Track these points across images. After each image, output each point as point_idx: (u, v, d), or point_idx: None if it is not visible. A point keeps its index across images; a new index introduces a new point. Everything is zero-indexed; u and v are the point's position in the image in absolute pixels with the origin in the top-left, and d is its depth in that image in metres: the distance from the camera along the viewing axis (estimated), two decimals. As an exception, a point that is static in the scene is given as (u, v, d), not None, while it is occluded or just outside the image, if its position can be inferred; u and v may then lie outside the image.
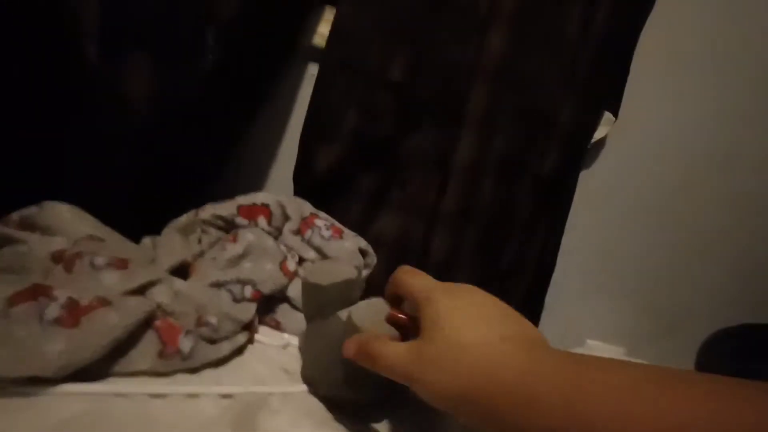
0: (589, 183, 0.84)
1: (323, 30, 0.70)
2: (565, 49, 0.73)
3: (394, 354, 0.27)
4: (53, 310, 0.32)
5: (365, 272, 0.61)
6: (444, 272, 0.75)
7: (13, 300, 0.32)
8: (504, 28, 0.69)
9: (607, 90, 0.80)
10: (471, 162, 0.72)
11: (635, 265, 0.88)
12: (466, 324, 0.26)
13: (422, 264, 0.77)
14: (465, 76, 0.69)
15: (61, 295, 0.34)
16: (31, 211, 0.46)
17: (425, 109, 0.70)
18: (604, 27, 0.73)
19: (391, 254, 0.72)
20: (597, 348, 0.87)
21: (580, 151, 0.80)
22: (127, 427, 0.29)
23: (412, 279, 0.31)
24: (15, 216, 0.46)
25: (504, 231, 0.77)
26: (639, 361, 0.88)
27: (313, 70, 0.72)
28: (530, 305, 0.81)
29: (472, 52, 0.69)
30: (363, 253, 0.59)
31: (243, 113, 0.64)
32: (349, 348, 0.30)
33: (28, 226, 0.46)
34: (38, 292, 0.34)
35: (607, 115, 0.81)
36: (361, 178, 0.73)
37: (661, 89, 0.82)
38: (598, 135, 0.80)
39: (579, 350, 0.84)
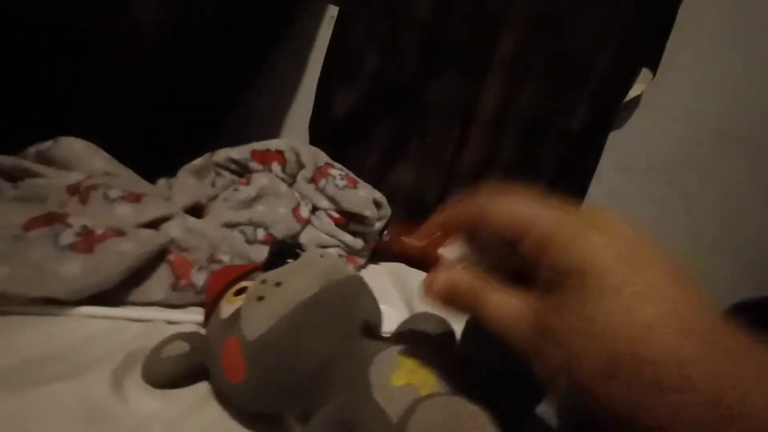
0: (618, 143, 0.79)
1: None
2: None
3: (506, 306, 0.19)
4: (68, 236, 0.33)
5: (378, 225, 0.60)
6: None
7: (29, 225, 0.33)
8: None
9: (647, 44, 0.74)
10: (494, 113, 0.69)
11: (649, 230, 0.85)
12: (636, 292, 0.17)
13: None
14: (495, 18, 0.64)
15: (76, 222, 0.34)
16: (47, 145, 0.46)
17: (450, 52, 0.66)
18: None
19: (408, 206, 0.71)
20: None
21: (612, 108, 0.76)
22: (142, 348, 0.30)
23: (524, 206, 0.20)
24: (32, 150, 0.46)
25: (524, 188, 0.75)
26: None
27: (333, 11, 0.69)
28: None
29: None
30: (377, 204, 0.58)
31: (257, 51, 0.62)
32: (436, 289, 0.21)
33: (45, 159, 0.46)
34: (53, 219, 0.34)
35: (645, 72, 0.76)
36: (380, 126, 0.71)
37: (703, 49, 0.75)
38: (633, 93, 0.75)
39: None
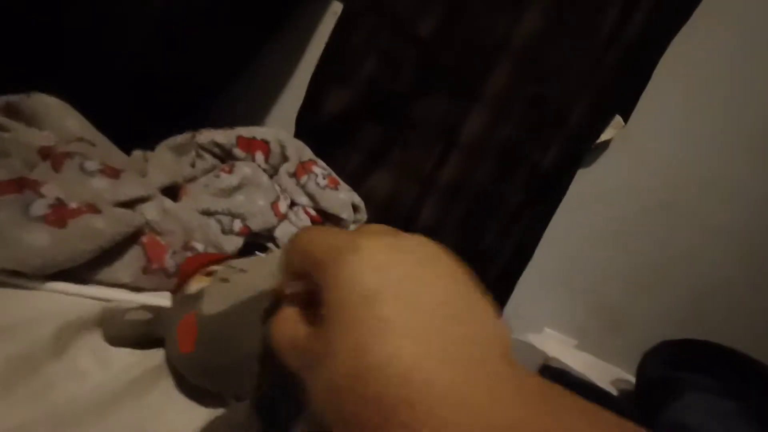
0: (583, 182, 0.85)
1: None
2: (594, 46, 0.71)
3: (295, 330, 0.18)
4: (40, 207, 0.31)
5: (353, 228, 0.61)
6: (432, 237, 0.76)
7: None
8: (541, 9, 0.67)
9: (622, 94, 0.80)
10: (477, 138, 0.72)
11: (603, 269, 0.92)
12: (397, 319, 0.14)
13: (408, 228, 0.77)
14: (492, 50, 0.67)
15: (49, 193, 0.33)
16: (19, 98, 0.43)
17: (444, 74, 0.68)
18: (638, 33, 0.71)
19: (379, 212, 0.72)
20: (552, 336, 0.92)
21: (583, 150, 0.81)
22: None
23: (319, 236, 0.18)
24: (0, 100, 0.43)
25: (492, 212, 0.78)
26: (585, 353, 0.94)
27: (336, 8, 0.68)
28: (501, 288, 0.84)
29: (504, 27, 0.66)
30: (355, 208, 0.59)
31: (255, 36, 0.61)
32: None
33: (14, 113, 0.43)
34: (24, 185, 0.32)
35: (617, 119, 0.81)
36: (366, 131, 0.72)
37: (674, 105, 0.82)
38: (604, 136, 0.81)
39: (536, 336, 0.89)
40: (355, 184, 0.63)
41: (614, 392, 0.75)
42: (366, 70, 0.66)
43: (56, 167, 0.37)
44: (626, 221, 0.89)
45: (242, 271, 0.28)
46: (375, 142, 0.71)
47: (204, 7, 0.53)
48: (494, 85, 0.69)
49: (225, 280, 0.28)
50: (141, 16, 0.49)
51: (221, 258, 0.35)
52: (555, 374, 0.60)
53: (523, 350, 0.68)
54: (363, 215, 0.61)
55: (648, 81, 0.79)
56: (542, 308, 0.94)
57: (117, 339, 0.29)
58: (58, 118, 0.44)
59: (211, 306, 0.27)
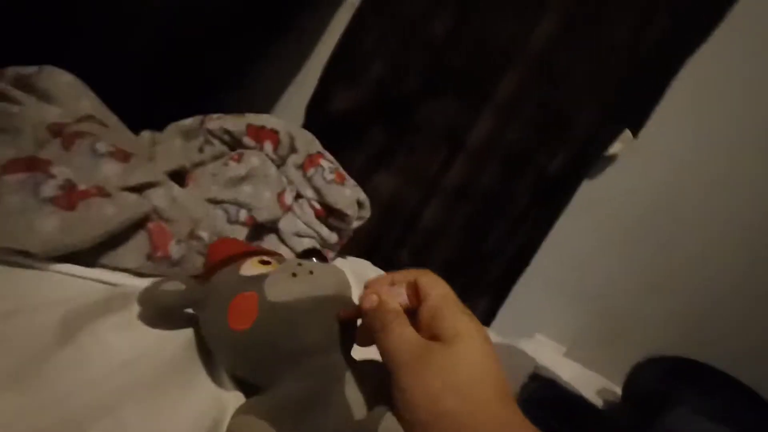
0: (587, 190, 0.85)
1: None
2: (605, 57, 0.71)
3: (408, 336, 0.26)
4: (50, 188, 0.31)
5: (356, 224, 0.61)
6: (429, 240, 0.77)
7: (7, 167, 0.31)
8: (558, 17, 0.66)
9: (633, 108, 0.80)
10: (483, 143, 0.72)
11: (599, 278, 0.92)
12: (480, 360, 0.25)
13: (409, 228, 0.78)
14: (503, 55, 0.67)
15: (60, 174, 0.33)
16: (30, 71, 0.43)
17: (453, 77, 0.68)
18: (651, 49, 0.71)
19: (382, 212, 0.73)
20: (543, 342, 0.93)
21: (589, 159, 0.81)
22: (109, 311, 0.30)
23: (442, 288, 0.29)
24: (10, 72, 0.43)
25: (494, 216, 0.79)
26: (574, 362, 0.95)
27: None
28: (498, 291, 0.85)
29: (516, 32, 0.66)
30: (360, 204, 0.59)
31: (270, 25, 0.60)
32: (367, 303, 0.28)
33: (24, 86, 0.43)
34: (35, 166, 0.32)
35: (626, 132, 0.81)
36: (372, 131, 0.72)
37: (682, 117, 0.82)
38: (612, 150, 0.81)
39: (527, 342, 0.90)
40: (360, 183, 0.63)
41: (600, 403, 0.76)
42: (375, 71, 0.65)
43: (67, 146, 0.37)
44: (627, 231, 0.89)
45: (311, 273, 0.31)
46: (381, 142, 0.71)
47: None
48: (504, 89, 0.68)
49: (294, 275, 0.30)
50: (152, 3, 0.48)
51: (251, 251, 0.36)
52: (543, 383, 0.61)
53: (514, 356, 0.68)
54: (367, 212, 0.61)
55: (660, 97, 0.79)
56: (536, 314, 0.95)
57: (154, 308, 0.31)
58: (72, 96, 0.43)
59: (277, 293, 0.29)
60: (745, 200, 0.84)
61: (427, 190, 0.76)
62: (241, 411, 0.26)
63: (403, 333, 0.27)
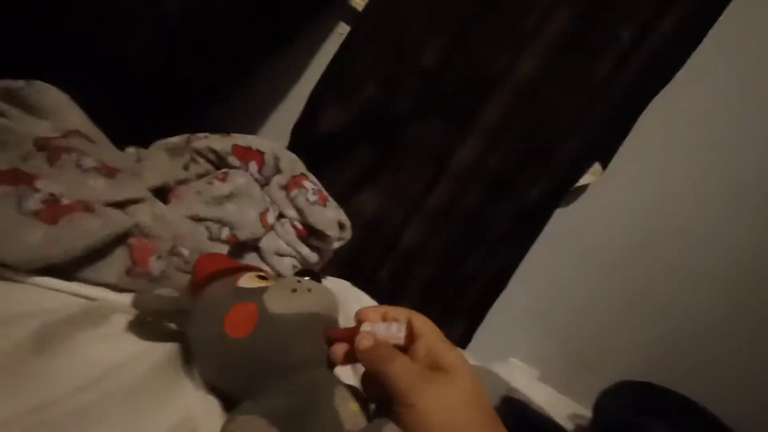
0: (561, 221, 0.89)
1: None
2: (587, 89, 0.76)
3: (411, 363, 0.29)
4: (33, 202, 0.32)
5: (337, 244, 0.62)
6: (409, 261, 0.78)
7: (-7, 180, 0.31)
8: (542, 49, 0.71)
9: (605, 141, 0.85)
10: (467, 167, 0.75)
11: (572, 306, 0.96)
12: (474, 387, 0.29)
13: (390, 248, 0.80)
14: (491, 83, 0.71)
15: (44, 188, 0.33)
16: (19, 84, 0.43)
17: (442, 101, 0.71)
18: (625, 87, 0.76)
19: (363, 231, 0.74)
20: (516, 366, 0.94)
21: (565, 189, 0.85)
22: (87, 325, 0.30)
23: (432, 327, 0.33)
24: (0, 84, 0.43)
25: (474, 240, 0.81)
26: (547, 386, 0.96)
27: (342, 29, 0.71)
28: (474, 314, 0.87)
29: (504, 63, 0.70)
30: (341, 226, 0.61)
31: (263, 46, 0.62)
32: (366, 342, 0.30)
33: (12, 99, 0.43)
34: (19, 179, 0.33)
35: (596, 165, 0.86)
36: (359, 150, 0.74)
37: (652, 153, 0.87)
38: (582, 181, 0.85)
39: (501, 365, 0.92)
40: (343, 201, 0.64)
41: (571, 427, 0.77)
42: (366, 92, 0.68)
43: (52, 161, 0.37)
44: (602, 260, 0.93)
45: (309, 290, 0.32)
46: (366, 162, 0.74)
47: (214, 12, 0.54)
48: (489, 116, 0.72)
49: (294, 290, 0.32)
50: (150, 15, 0.50)
51: (239, 267, 0.37)
52: (515, 406, 0.62)
53: (487, 379, 0.70)
54: (348, 233, 0.62)
55: (628, 132, 0.85)
56: (510, 338, 0.97)
57: (146, 309, 0.33)
58: (58, 110, 0.44)
59: (277, 305, 0.31)
60: (713, 230, 0.89)
61: (409, 210, 0.78)
62: (237, 413, 0.26)
63: (405, 361, 0.29)
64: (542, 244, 0.90)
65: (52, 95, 0.44)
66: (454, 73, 0.70)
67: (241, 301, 0.31)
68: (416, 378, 0.28)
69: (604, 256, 0.93)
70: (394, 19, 0.68)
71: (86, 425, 0.22)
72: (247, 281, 0.33)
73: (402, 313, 0.33)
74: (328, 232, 0.58)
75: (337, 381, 0.31)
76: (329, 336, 0.32)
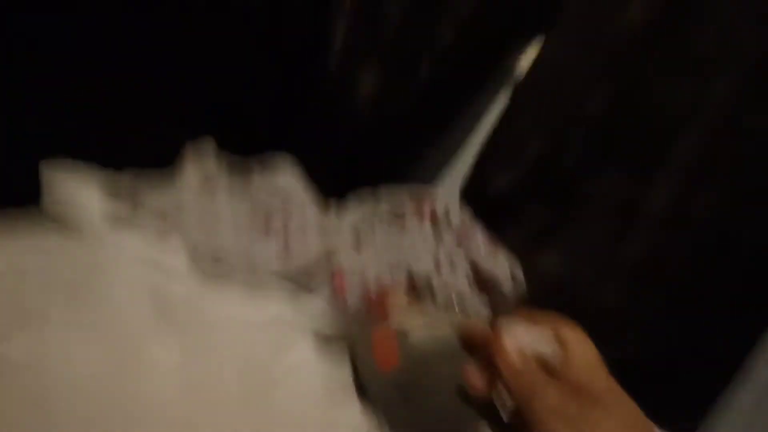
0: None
1: (525, 59, 0.72)
2: None
3: (559, 402, 0.26)
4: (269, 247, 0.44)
5: (508, 300, 0.60)
6: (618, 328, 0.67)
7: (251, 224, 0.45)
8: (734, 75, 0.59)
9: None
10: (666, 213, 0.64)
11: None
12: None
13: (585, 313, 0.70)
14: (677, 119, 0.62)
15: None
16: (269, 171, 0.62)
17: (619, 147, 0.66)
18: None
19: (550, 295, 0.69)
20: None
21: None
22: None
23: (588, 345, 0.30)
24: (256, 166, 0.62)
25: (693, 304, 0.65)
26: None
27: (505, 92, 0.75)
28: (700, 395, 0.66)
29: (691, 93, 0.61)
30: (513, 277, 0.59)
31: (441, 122, 0.72)
32: (514, 359, 0.28)
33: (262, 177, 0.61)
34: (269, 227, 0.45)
35: None
36: (531, 209, 0.72)
37: None
38: None
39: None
40: (522, 265, 0.63)
41: None
42: (532, 149, 0.68)
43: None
44: None
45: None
46: (542, 221, 0.70)
47: (406, 106, 0.66)
48: (682, 153, 0.62)
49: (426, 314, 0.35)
50: (357, 120, 0.65)
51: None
52: None
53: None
54: (521, 287, 0.59)
55: None
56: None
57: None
58: (295, 191, 0.60)
59: (415, 338, 0.33)
60: None
61: (600, 268, 0.69)
62: None
63: (551, 389, 0.26)
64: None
65: (290, 179, 0.61)
66: (626, 115, 0.65)
67: (385, 333, 0.33)
68: (561, 406, 0.25)
69: None
70: (554, 78, 0.69)
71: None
72: (394, 322, 0.35)
73: (548, 320, 0.29)
74: (502, 282, 0.57)
75: None
76: (465, 337, 0.31)
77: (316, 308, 0.43)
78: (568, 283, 0.70)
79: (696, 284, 0.65)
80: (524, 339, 0.28)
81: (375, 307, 0.41)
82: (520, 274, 0.60)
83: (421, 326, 0.33)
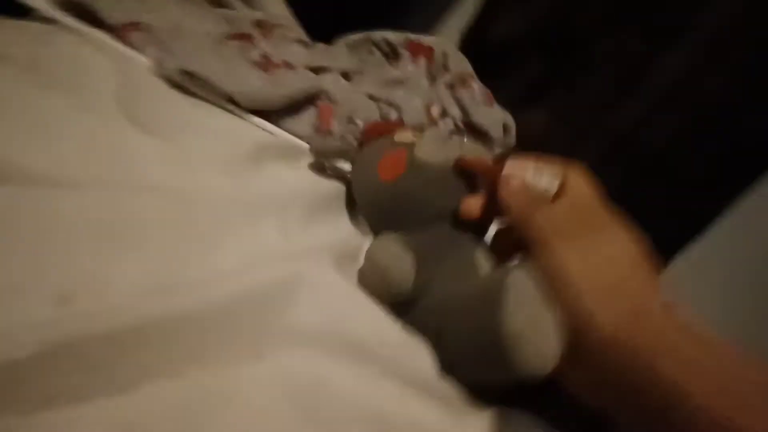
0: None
1: None
2: None
3: (559, 212, 0.25)
4: (254, 55, 0.39)
5: (497, 150, 0.60)
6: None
7: (230, 36, 0.39)
8: None
9: None
10: (667, 88, 0.60)
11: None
12: (635, 250, 0.25)
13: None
14: None
15: (260, 46, 0.40)
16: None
17: (637, 7, 0.58)
18: None
19: (531, 151, 0.68)
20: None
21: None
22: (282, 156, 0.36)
23: (592, 186, 0.27)
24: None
25: (660, 184, 0.67)
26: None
27: None
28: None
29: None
30: (505, 129, 0.57)
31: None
32: (515, 183, 0.27)
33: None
34: (245, 37, 0.40)
35: None
36: (530, 62, 0.67)
37: None
38: None
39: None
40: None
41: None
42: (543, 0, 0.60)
43: (265, 34, 0.44)
44: None
45: (460, 145, 0.34)
46: (538, 76, 0.66)
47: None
48: (706, 23, 0.56)
49: (445, 142, 0.34)
50: None
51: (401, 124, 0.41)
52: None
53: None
54: (511, 139, 0.58)
55: None
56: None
57: (320, 156, 0.37)
58: (269, 5, 0.52)
59: (426, 153, 0.32)
60: None
61: (580, 135, 0.69)
62: (379, 238, 0.29)
63: (552, 209, 0.25)
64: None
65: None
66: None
67: (395, 149, 0.33)
68: (564, 226, 0.24)
69: None
70: None
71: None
72: (402, 135, 0.35)
73: (557, 163, 0.27)
74: (492, 133, 0.55)
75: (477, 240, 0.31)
76: (465, 164, 0.30)
77: (298, 131, 0.41)
78: (547, 143, 0.69)
79: (679, 170, 0.65)
80: (529, 172, 0.27)
81: (380, 128, 0.39)
82: (512, 124, 0.58)
83: (430, 143, 0.32)
